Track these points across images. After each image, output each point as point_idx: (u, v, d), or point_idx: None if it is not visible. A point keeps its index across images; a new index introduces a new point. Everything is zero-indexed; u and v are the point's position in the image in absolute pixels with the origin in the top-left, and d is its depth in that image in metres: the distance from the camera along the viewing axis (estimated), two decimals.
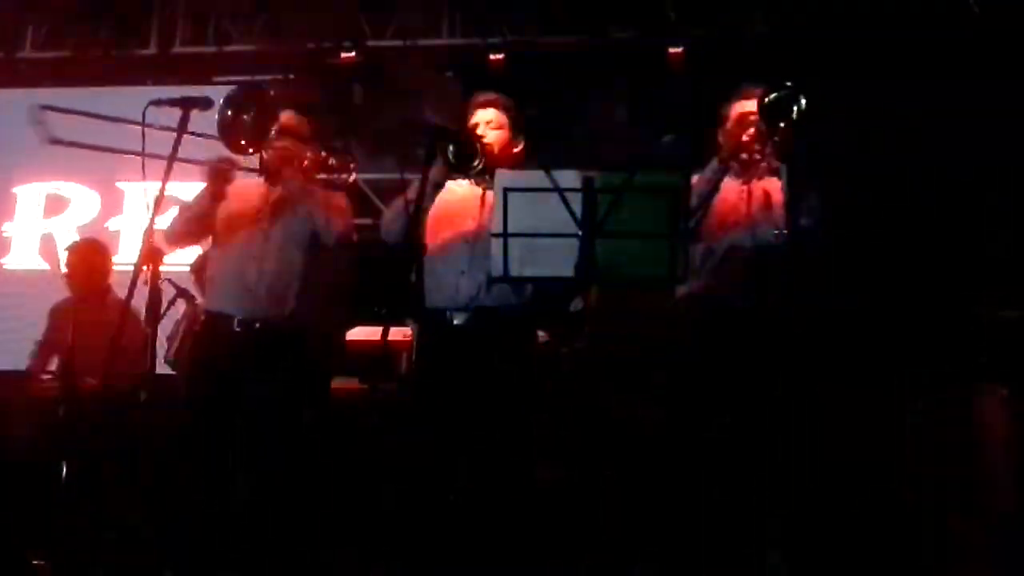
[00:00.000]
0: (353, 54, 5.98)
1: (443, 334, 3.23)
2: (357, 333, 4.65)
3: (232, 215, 3.53)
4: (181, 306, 4.67)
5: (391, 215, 3.33)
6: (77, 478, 3.98)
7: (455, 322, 3.25)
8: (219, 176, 3.43)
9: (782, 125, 3.23)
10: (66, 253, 5.04)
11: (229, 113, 3.33)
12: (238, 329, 3.39)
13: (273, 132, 3.39)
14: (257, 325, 3.40)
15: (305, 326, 3.50)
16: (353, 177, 3.66)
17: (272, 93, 3.45)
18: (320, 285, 3.59)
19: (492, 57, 5.77)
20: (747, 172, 3.48)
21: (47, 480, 3.88)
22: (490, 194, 3.24)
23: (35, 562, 4.16)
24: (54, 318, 5.01)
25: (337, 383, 4.59)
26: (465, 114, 3.46)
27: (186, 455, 3.43)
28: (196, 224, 3.54)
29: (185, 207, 3.53)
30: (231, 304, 3.43)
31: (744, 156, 3.42)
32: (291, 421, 3.45)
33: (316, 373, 3.57)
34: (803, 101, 3.13)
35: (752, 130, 3.38)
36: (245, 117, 3.34)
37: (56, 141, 3.38)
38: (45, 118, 3.36)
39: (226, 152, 3.39)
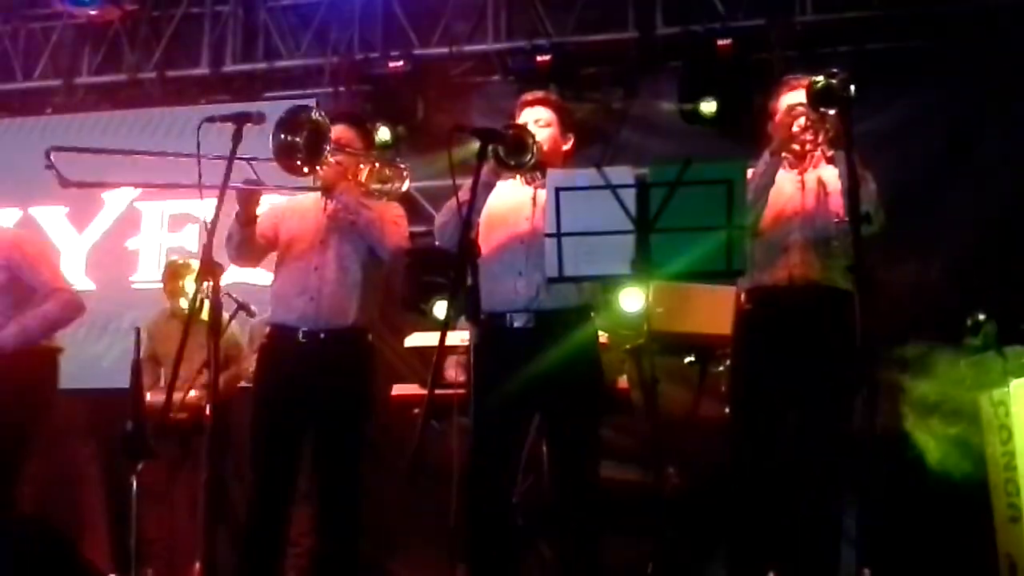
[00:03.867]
0: (401, 63, 6.01)
1: (503, 337, 3.21)
2: (415, 339, 4.68)
3: (292, 232, 3.61)
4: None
5: (443, 219, 3.32)
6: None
7: (515, 324, 3.24)
8: (246, 201, 3.45)
9: (832, 112, 3.18)
10: (166, 270, 5.18)
11: (283, 136, 3.36)
12: (303, 340, 3.46)
13: (327, 149, 3.42)
14: (322, 335, 3.46)
15: (367, 334, 3.54)
16: (406, 186, 3.69)
17: (322, 113, 3.46)
18: (379, 294, 3.67)
19: (539, 58, 5.75)
20: (801, 162, 3.43)
21: None
22: (542, 193, 3.23)
23: None
24: (154, 334, 5.10)
25: (398, 389, 4.64)
26: (514, 114, 3.45)
27: (257, 465, 3.48)
28: (245, 250, 3.59)
29: (228, 236, 3.59)
30: (294, 317, 3.50)
31: (796, 147, 3.37)
32: (358, 427, 3.49)
33: (378, 379, 3.60)
34: (852, 88, 3.07)
35: (802, 120, 3.33)
36: (298, 139, 3.37)
37: (69, 184, 3.41)
38: (58, 160, 3.37)
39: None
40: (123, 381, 3.97)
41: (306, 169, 3.41)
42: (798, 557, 3.36)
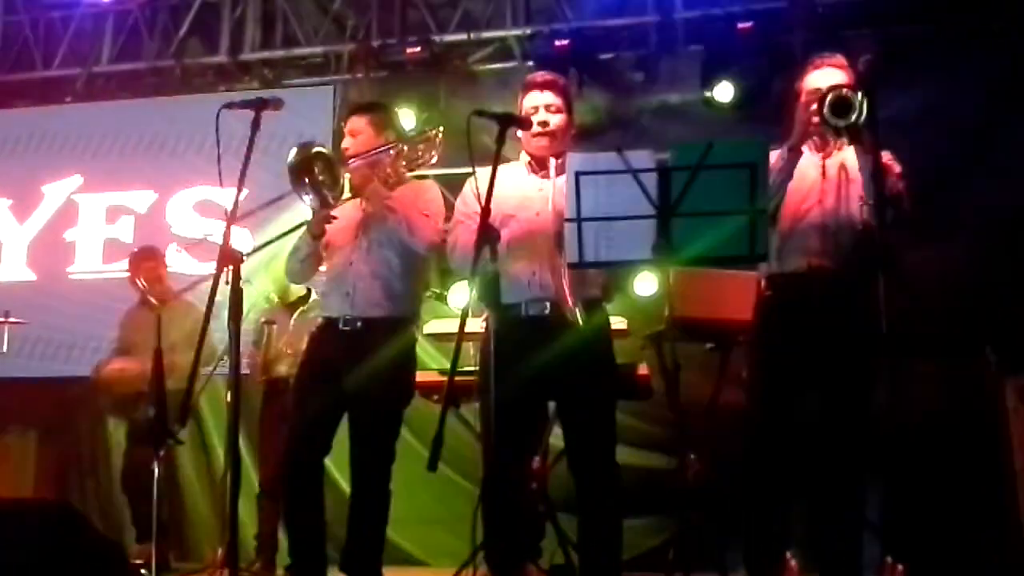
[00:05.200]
0: (419, 49, 5.99)
1: (518, 323, 3.20)
2: (433, 326, 4.69)
3: (334, 234, 3.68)
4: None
5: (453, 242, 3.31)
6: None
7: (530, 313, 3.21)
8: (322, 221, 3.56)
9: (846, 124, 3.10)
10: (129, 261, 5.22)
11: (302, 178, 3.39)
12: (344, 327, 3.56)
13: (342, 168, 3.48)
14: (359, 324, 3.54)
15: (405, 322, 3.62)
16: (435, 155, 3.63)
17: (322, 146, 3.50)
18: (419, 283, 3.76)
19: (558, 43, 5.71)
20: (824, 146, 3.37)
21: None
22: (547, 184, 3.23)
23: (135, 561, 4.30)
24: (127, 324, 5.17)
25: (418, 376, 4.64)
26: (519, 95, 3.35)
27: (293, 450, 3.52)
28: (310, 263, 3.73)
29: (295, 250, 3.69)
30: (335, 310, 3.61)
31: (815, 133, 3.31)
32: (391, 411, 3.55)
33: (410, 364, 3.65)
34: (864, 105, 3.01)
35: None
36: (317, 174, 3.42)
37: None
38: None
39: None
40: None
41: (332, 198, 3.47)
42: (818, 542, 3.33)
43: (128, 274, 5.28)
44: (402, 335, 3.59)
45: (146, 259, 5.29)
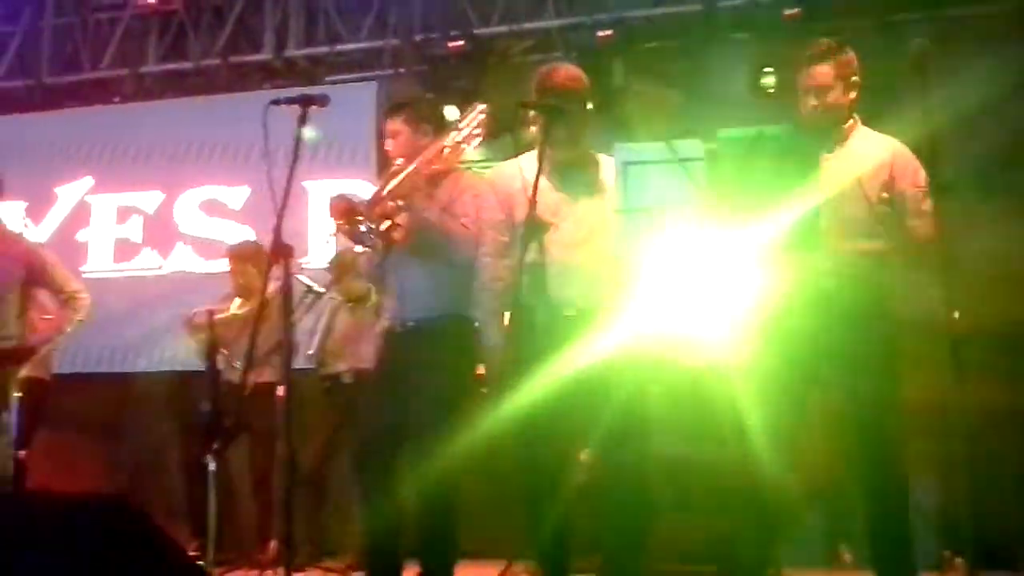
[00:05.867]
0: (461, 43, 5.99)
1: (556, 322, 3.17)
2: None
3: None
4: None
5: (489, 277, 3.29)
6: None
7: (565, 315, 3.18)
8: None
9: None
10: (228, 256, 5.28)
11: (349, 231, 3.35)
12: (399, 331, 3.58)
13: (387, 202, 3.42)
14: (410, 323, 3.56)
15: (456, 321, 3.55)
16: (480, 134, 3.58)
17: (351, 199, 3.43)
18: (459, 288, 3.65)
19: (601, 34, 5.68)
20: (827, 141, 3.19)
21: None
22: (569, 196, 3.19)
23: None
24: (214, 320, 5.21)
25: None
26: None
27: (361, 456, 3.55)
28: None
29: (365, 269, 3.76)
30: (391, 315, 3.62)
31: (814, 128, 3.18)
32: (451, 406, 3.50)
33: (471, 362, 3.61)
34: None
35: (815, 101, 3.15)
36: (360, 227, 3.35)
37: None
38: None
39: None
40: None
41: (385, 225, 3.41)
42: (870, 535, 3.28)
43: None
44: (458, 331, 3.56)
45: (231, 258, 5.34)
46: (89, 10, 6.99)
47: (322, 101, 3.14)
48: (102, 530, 2.34)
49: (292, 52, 6.60)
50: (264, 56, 6.64)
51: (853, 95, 3.17)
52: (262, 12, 6.68)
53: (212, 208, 6.50)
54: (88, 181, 6.71)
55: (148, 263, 6.58)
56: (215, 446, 3.85)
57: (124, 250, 6.61)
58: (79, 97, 7.00)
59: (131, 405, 6.49)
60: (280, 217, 3.03)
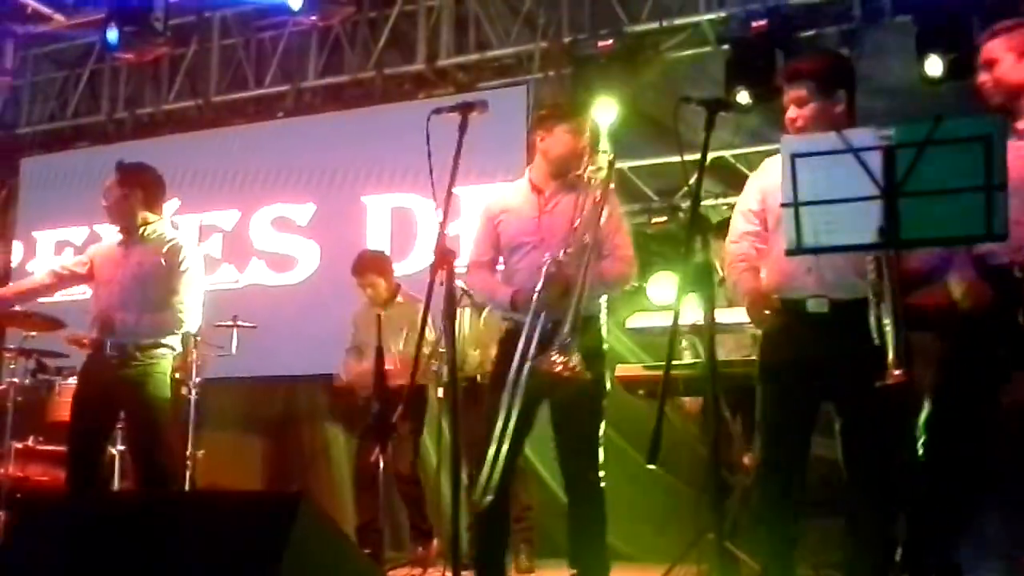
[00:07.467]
0: (611, 41, 5.95)
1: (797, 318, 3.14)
2: (636, 320, 4.66)
3: (511, 234, 3.65)
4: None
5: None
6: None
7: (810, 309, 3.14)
8: None
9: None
10: (357, 263, 5.45)
11: None
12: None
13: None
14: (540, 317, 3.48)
15: (590, 319, 3.56)
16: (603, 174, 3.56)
17: None
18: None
19: (755, 24, 5.53)
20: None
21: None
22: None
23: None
24: (358, 323, 5.39)
25: (621, 371, 4.61)
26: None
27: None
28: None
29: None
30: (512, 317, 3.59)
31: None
32: (596, 406, 3.53)
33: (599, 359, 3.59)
34: None
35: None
36: None
37: None
38: None
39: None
40: None
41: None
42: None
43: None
44: (593, 333, 3.54)
45: (357, 272, 5.48)
46: (253, 30, 7.31)
47: (481, 108, 3.19)
48: (281, 527, 2.41)
49: (443, 61, 6.72)
50: (417, 66, 6.78)
51: None
52: (414, 23, 6.82)
53: (282, 224, 6.87)
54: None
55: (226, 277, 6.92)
56: (386, 447, 3.94)
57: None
58: (244, 114, 7.33)
59: (291, 407, 6.74)
60: (443, 225, 3.07)
